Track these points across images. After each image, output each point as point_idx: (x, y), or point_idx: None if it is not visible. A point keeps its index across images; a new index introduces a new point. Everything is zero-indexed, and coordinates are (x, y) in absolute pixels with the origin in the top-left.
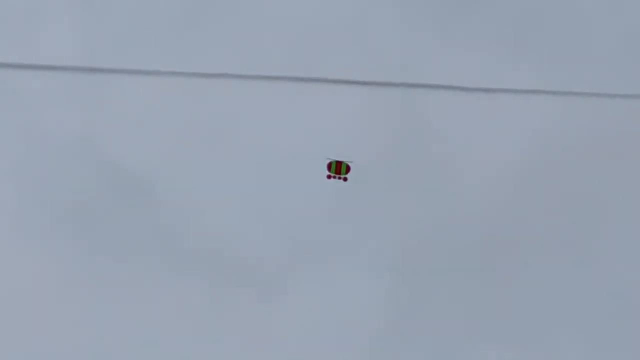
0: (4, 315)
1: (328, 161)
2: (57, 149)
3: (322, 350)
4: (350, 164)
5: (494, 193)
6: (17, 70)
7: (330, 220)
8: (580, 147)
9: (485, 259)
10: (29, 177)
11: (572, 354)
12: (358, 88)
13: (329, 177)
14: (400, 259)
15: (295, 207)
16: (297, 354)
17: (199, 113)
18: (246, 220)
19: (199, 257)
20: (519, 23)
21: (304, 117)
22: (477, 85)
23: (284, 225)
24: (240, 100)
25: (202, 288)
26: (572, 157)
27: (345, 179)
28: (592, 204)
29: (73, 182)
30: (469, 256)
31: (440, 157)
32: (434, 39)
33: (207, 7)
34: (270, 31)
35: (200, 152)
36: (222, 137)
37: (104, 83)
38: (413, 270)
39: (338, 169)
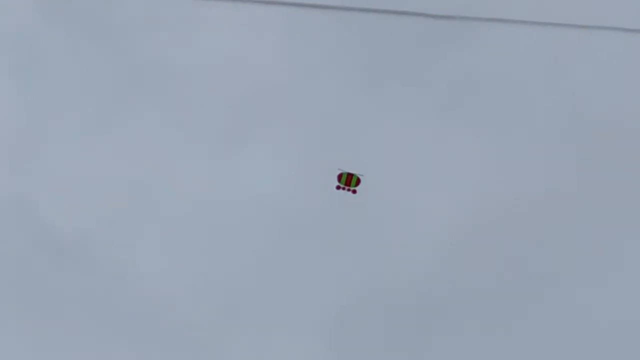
0: None
1: (339, 172)
2: None
3: None
4: (361, 177)
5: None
6: None
7: (267, 284)
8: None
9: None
10: None
11: None
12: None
13: (338, 187)
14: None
15: (231, 273)
16: None
17: (138, 173)
18: (181, 284)
19: (132, 322)
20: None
21: None
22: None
23: (219, 290)
24: (182, 164)
25: (134, 353)
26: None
27: (354, 192)
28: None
29: (3, 243)
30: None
31: None
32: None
33: None
34: None
35: (137, 213)
36: (159, 199)
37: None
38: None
39: (348, 181)
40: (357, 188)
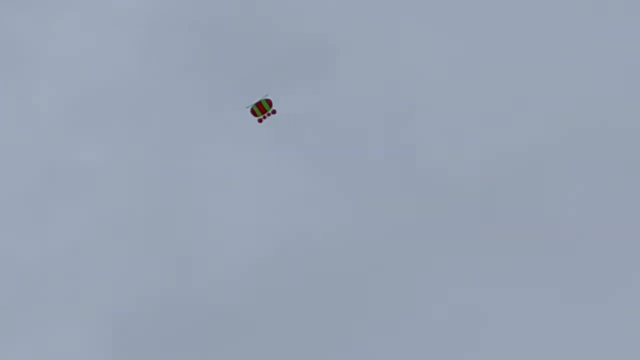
0: None
1: (249, 107)
2: None
3: None
4: (267, 97)
5: None
6: None
7: None
8: None
9: None
10: None
11: None
12: None
13: (260, 121)
14: None
15: None
16: None
17: None
18: None
19: None
20: None
21: None
22: None
23: None
24: None
25: None
26: None
27: (274, 112)
28: None
29: None
30: None
31: None
32: None
33: None
34: None
35: None
36: None
37: None
38: None
39: (262, 108)
40: (272, 107)
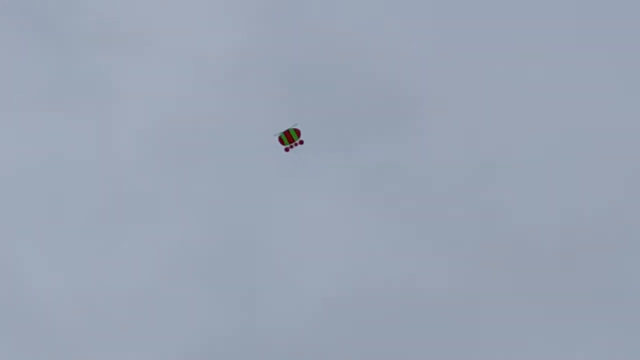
0: None
1: (277, 135)
2: None
3: None
4: (296, 127)
5: None
6: None
7: None
8: None
9: None
10: None
11: None
12: None
13: (287, 149)
14: None
15: None
16: None
17: None
18: None
19: None
20: None
21: None
22: None
23: None
24: None
25: None
26: None
27: (302, 142)
28: None
29: None
30: None
31: None
32: None
33: None
34: None
35: None
36: None
37: None
38: None
39: (290, 137)
40: (300, 137)
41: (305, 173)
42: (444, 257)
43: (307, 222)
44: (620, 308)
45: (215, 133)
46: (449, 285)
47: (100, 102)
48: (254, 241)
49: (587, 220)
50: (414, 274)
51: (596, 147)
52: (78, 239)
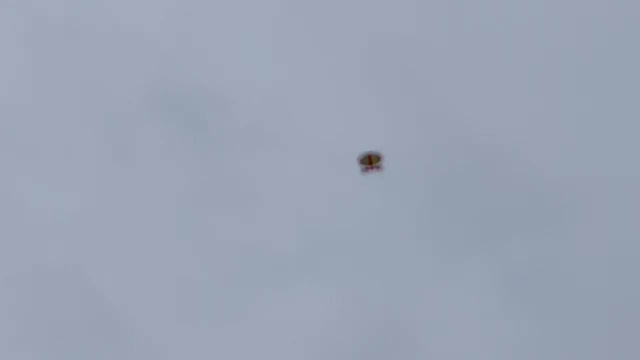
0: None
1: (360, 156)
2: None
3: None
4: (381, 154)
5: None
6: None
7: None
8: None
9: None
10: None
11: None
12: None
13: (364, 170)
14: None
15: None
16: None
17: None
18: None
19: None
20: None
21: None
22: None
23: None
24: None
25: None
26: None
27: (381, 168)
28: None
29: (57, 307)
30: None
31: None
32: None
33: None
34: None
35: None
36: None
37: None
38: None
39: (370, 161)
40: (380, 162)
41: (453, 272)
42: None
43: (455, 322)
44: None
45: (364, 240)
46: None
47: (250, 202)
48: (397, 337)
49: None
50: None
51: None
52: None
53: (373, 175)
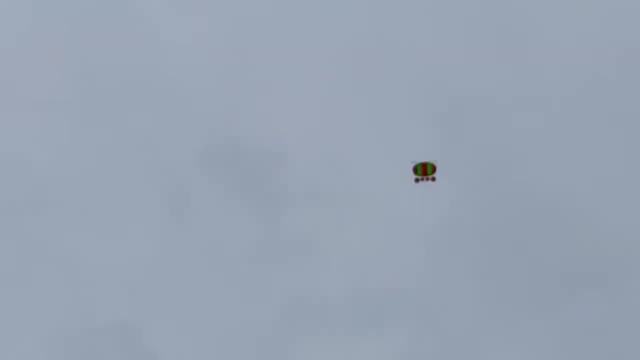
0: None
1: (413, 164)
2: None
3: None
4: (435, 163)
5: None
6: None
7: None
8: None
9: None
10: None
11: None
12: None
13: (417, 180)
14: None
15: None
16: None
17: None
18: None
19: None
20: None
21: None
22: None
23: None
24: None
25: None
26: None
27: (433, 179)
28: None
29: None
30: None
31: None
32: None
33: None
34: None
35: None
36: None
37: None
38: None
39: (425, 170)
40: (434, 173)
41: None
42: None
43: None
44: None
45: (421, 292)
46: None
47: (307, 259)
48: None
49: None
50: None
51: None
52: None
53: (426, 184)
